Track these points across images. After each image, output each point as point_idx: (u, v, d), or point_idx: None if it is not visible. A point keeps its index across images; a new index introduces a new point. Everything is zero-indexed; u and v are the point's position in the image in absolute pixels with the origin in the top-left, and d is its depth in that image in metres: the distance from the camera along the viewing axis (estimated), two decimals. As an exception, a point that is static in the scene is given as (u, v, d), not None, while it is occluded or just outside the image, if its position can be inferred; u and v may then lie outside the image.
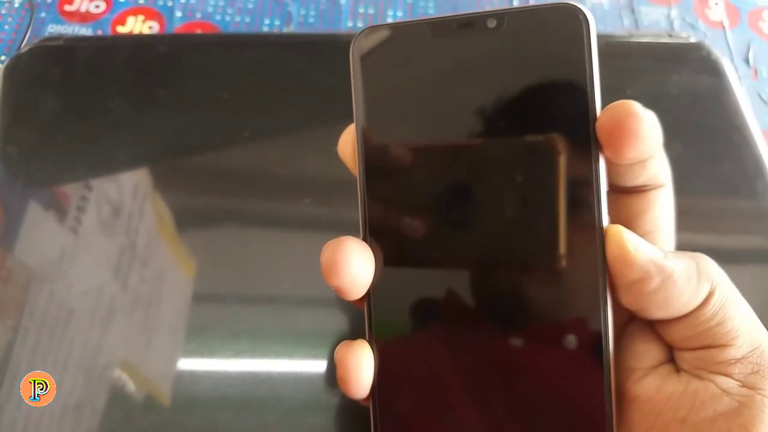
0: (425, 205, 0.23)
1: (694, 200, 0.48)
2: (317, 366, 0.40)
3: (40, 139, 0.50)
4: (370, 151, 0.23)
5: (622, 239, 0.21)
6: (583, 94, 0.21)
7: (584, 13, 0.21)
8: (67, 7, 0.77)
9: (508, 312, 0.22)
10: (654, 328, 0.23)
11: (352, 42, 0.23)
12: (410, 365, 0.23)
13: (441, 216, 0.22)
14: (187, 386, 0.39)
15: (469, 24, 0.22)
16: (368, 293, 0.23)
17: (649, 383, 0.22)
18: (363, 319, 0.24)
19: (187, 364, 0.40)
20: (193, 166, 0.49)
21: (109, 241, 0.44)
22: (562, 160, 0.21)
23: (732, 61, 0.68)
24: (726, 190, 0.49)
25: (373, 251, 0.23)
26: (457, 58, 0.22)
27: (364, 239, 0.23)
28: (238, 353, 0.40)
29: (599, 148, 0.21)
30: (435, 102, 0.23)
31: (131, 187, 0.47)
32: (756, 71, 0.67)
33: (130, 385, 0.38)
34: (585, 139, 0.21)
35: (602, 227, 0.21)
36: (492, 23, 0.22)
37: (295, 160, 0.49)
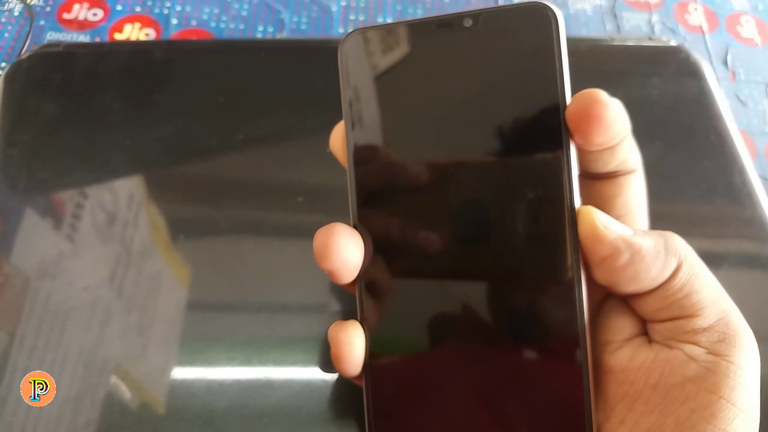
0: (409, 194, 0.24)
1: (674, 197, 0.49)
2: (312, 373, 0.40)
3: (38, 145, 0.50)
4: (358, 145, 0.24)
5: (593, 218, 0.22)
6: (553, 86, 0.22)
7: (553, 11, 0.22)
8: (66, 15, 0.77)
9: (490, 291, 0.23)
10: (627, 303, 0.23)
11: (340, 44, 0.25)
12: (400, 345, 0.24)
13: (423, 204, 0.23)
14: (182, 394, 0.38)
15: (447, 24, 0.23)
16: (359, 277, 0.24)
17: (623, 354, 0.23)
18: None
19: (182, 372, 0.39)
20: (188, 173, 0.49)
21: (105, 249, 0.44)
22: (535, 148, 0.22)
23: (711, 63, 0.69)
24: (705, 188, 0.50)
25: (362, 238, 0.24)
26: (437, 56, 0.23)
27: (354, 227, 0.24)
28: (232, 360, 0.40)
29: (569, 135, 0.22)
30: (416, 98, 0.24)
31: (126, 195, 0.46)
32: (734, 73, 0.68)
33: (126, 393, 0.38)
34: (556, 128, 0.22)
35: (574, 209, 0.22)
36: (468, 23, 0.23)
37: (289, 165, 0.49)
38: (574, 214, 0.22)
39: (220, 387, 0.39)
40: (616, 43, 0.61)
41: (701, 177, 0.50)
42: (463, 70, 0.23)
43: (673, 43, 0.60)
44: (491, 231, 0.23)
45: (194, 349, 0.40)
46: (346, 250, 0.23)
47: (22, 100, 0.53)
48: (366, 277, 0.24)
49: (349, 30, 0.25)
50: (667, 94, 0.56)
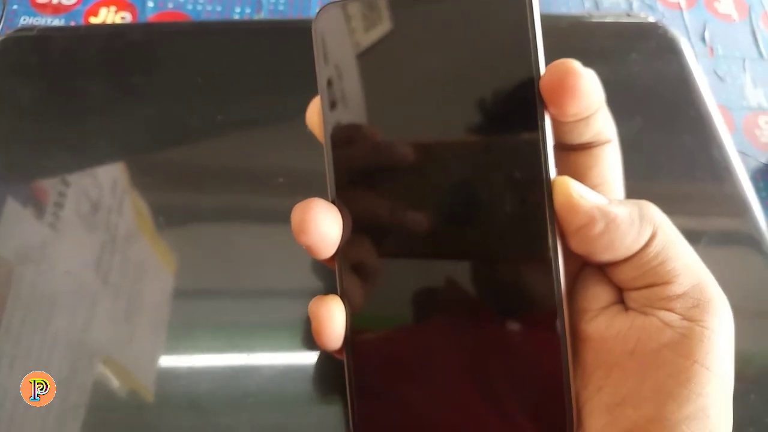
0: (386, 170, 0.24)
1: (653, 173, 0.49)
2: (295, 356, 0.40)
3: (16, 130, 0.49)
4: (333, 121, 0.24)
5: (568, 188, 0.22)
6: (527, 58, 0.22)
7: None
8: (40, 0, 0.75)
9: (468, 264, 0.23)
10: (604, 272, 0.23)
11: (314, 18, 0.24)
12: (380, 318, 0.24)
13: (400, 179, 0.23)
14: (168, 378, 0.38)
15: None
16: (337, 252, 0.24)
17: (600, 322, 0.23)
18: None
19: (169, 359, 0.39)
20: (170, 158, 0.48)
21: (89, 237, 0.43)
22: (511, 120, 0.22)
23: (689, 40, 0.69)
24: (684, 163, 0.50)
25: (340, 213, 0.24)
26: (412, 31, 0.23)
27: (333, 202, 0.24)
28: (219, 347, 0.39)
29: (544, 106, 0.22)
30: (391, 73, 0.23)
31: (110, 183, 0.45)
32: (712, 49, 0.68)
33: (113, 381, 0.38)
34: (531, 100, 0.22)
35: (550, 180, 0.22)
36: None
37: (271, 147, 0.48)
38: (549, 184, 0.22)
39: (204, 371, 0.39)
40: (594, 20, 0.60)
41: (680, 153, 0.50)
42: (438, 45, 0.23)
43: (651, 19, 0.60)
44: (468, 204, 0.23)
45: (180, 335, 0.40)
46: (323, 225, 0.23)
47: None
48: (344, 252, 0.24)
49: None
50: (646, 71, 0.55)
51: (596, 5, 0.70)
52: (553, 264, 0.22)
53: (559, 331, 0.22)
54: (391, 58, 0.23)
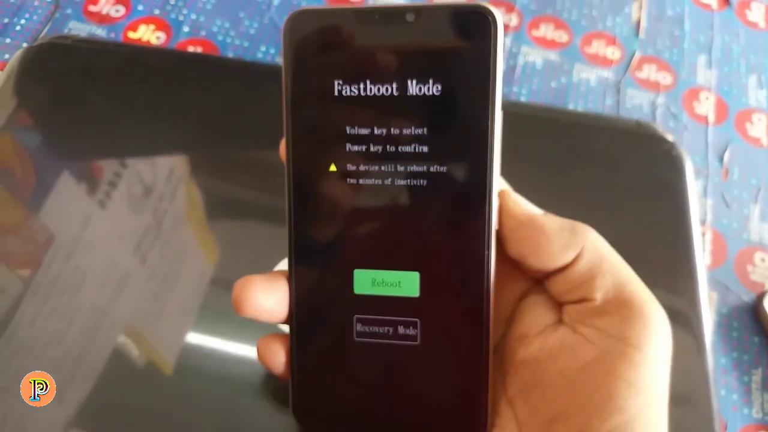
0: (343, 184, 0.24)
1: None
2: None
3: (79, 119, 0.50)
4: (296, 126, 0.25)
5: (506, 197, 0.24)
6: (485, 85, 0.23)
7: (493, 15, 0.22)
8: (92, 8, 0.78)
9: (407, 261, 0.24)
10: (545, 288, 0.25)
11: (284, 23, 0.24)
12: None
13: (358, 182, 0.24)
14: (190, 359, 0.38)
15: (390, 15, 0.24)
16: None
17: (536, 345, 0.24)
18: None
19: (194, 338, 0.39)
20: (231, 157, 0.49)
21: (136, 218, 0.44)
22: (463, 147, 0.23)
23: (706, 157, 0.65)
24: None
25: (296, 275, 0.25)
26: (377, 45, 0.24)
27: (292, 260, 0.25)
28: (245, 339, 0.39)
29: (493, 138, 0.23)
30: (355, 83, 0.24)
31: (166, 170, 0.46)
32: (727, 171, 0.64)
33: (133, 350, 0.38)
34: (483, 130, 0.23)
35: (492, 191, 0.23)
36: (411, 17, 0.23)
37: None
38: (492, 195, 0.23)
39: (230, 360, 0.39)
40: (598, 123, 0.58)
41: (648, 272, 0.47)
42: (400, 63, 0.23)
43: (660, 131, 0.56)
44: (416, 208, 0.24)
45: (209, 321, 0.40)
46: (262, 301, 0.24)
47: (49, 80, 0.53)
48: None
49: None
50: (636, 182, 0.52)
51: (618, 104, 0.67)
52: (485, 272, 0.23)
53: (483, 339, 0.24)
54: (355, 73, 0.24)
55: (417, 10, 0.23)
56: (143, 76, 0.54)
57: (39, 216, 0.44)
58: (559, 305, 0.24)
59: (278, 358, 0.25)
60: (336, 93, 0.24)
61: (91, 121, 0.50)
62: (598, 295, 0.23)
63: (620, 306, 0.22)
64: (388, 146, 0.24)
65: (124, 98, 0.52)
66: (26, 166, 0.47)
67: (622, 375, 0.21)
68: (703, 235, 0.60)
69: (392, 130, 0.24)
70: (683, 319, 0.45)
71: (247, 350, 0.39)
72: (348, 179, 0.24)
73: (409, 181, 0.24)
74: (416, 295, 0.24)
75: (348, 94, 0.24)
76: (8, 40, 0.76)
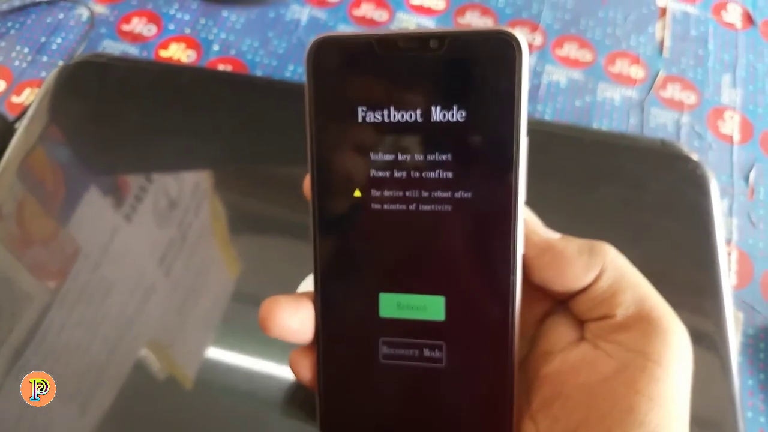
0: (368, 212, 0.24)
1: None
2: None
3: (111, 135, 0.51)
4: (321, 151, 0.24)
5: (524, 225, 0.24)
6: (510, 112, 0.23)
7: (518, 41, 0.22)
8: (125, 27, 0.80)
9: (430, 283, 0.24)
10: (568, 308, 0.25)
11: (306, 50, 0.24)
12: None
13: (383, 207, 0.24)
14: (211, 374, 0.39)
15: (413, 42, 0.23)
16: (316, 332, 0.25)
17: (558, 359, 0.24)
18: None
19: (215, 353, 0.40)
20: (256, 173, 0.49)
21: (161, 232, 0.44)
22: (489, 177, 0.23)
23: (732, 176, 0.64)
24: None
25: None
26: (400, 72, 0.24)
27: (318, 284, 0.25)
28: (266, 355, 0.40)
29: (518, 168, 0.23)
30: (379, 110, 0.24)
31: (191, 185, 0.47)
32: (753, 191, 0.63)
33: (155, 363, 0.39)
34: (509, 157, 0.23)
35: (518, 215, 0.23)
36: (434, 43, 0.23)
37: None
38: (518, 220, 0.23)
39: (251, 376, 0.39)
40: (622, 142, 0.57)
41: (673, 290, 0.46)
42: (424, 90, 0.23)
43: (685, 151, 0.56)
44: (441, 234, 0.24)
45: (231, 336, 0.40)
46: (288, 321, 0.24)
47: (82, 95, 0.54)
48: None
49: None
50: (662, 202, 0.52)
51: (642, 124, 0.67)
52: (510, 296, 0.23)
53: (510, 356, 0.24)
54: (377, 100, 0.24)
55: (441, 37, 0.23)
56: (175, 93, 0.55)
57: (68, 228, 0.45)
58: (581, 323, 0.24)
59: (309, 372, 0.26)
60: (360, 119, 0.24)
61: (122, 137, 0.51)
62: (619, 312, 0.23)
63: (640, 321, 0.22)
64: (412, 172, 0.24)
65: (155, 114, 0.53)
66: (57, 180, 0.47)
67: (643, 389, 0.21)
68: (729, 255, 0.59)
69: (416, 156, 0.24)
70: (709, 340, 0.44)
71: (267, 366, 0.39)
72: (373, 205, 0.24)
73: (433, 206, 0.24)
74: (442, 318, 0.24)
75: (372, 120, 0.24)
76: (45, 58, 0.78)
